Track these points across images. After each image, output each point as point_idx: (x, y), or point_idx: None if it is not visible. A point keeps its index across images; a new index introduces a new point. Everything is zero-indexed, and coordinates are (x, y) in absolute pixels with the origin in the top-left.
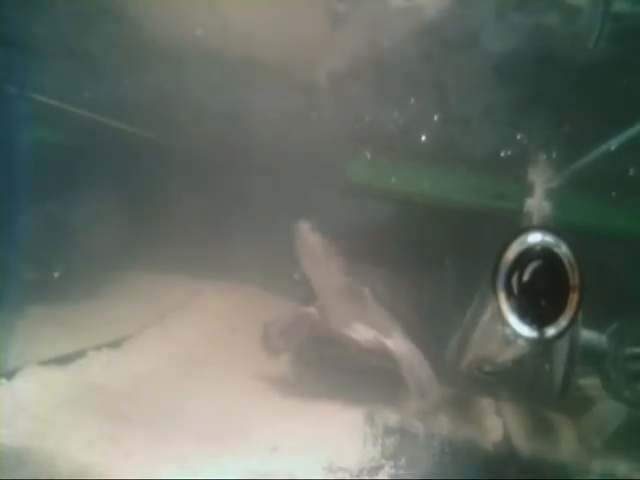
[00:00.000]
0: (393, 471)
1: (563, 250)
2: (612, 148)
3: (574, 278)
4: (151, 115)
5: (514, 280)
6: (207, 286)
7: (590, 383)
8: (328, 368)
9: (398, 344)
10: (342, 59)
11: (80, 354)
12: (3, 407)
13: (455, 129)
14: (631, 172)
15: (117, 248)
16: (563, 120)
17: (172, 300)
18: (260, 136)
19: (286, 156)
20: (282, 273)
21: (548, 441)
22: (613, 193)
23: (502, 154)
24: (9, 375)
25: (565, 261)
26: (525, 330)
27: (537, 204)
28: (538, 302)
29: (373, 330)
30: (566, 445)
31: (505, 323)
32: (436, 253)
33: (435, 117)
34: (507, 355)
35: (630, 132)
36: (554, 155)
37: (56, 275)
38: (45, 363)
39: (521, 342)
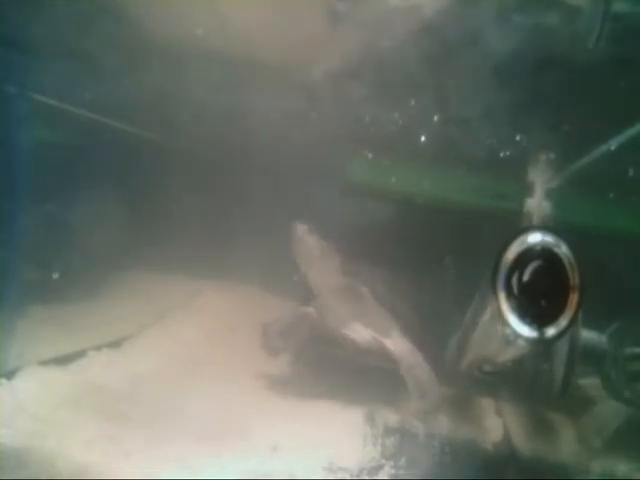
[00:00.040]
0: (393, 471)
1: (563, 250)
2: (612, 148)
3: (574, 278)
4: (151, 115)
5: (514, 280)
6: (207, 286)
7: (590, 383)
8: (328, 368)
9: (397, 344)
10: (342, 59)
11: (80, 354)
12: (3, 407)
13: (455, 129)
14: (631, 172)
15: (117, 248)
16: (563, 120)
17: (172, 300)
18: (260, 136)
19: (286, 156)
20: (282, 273)
21: (548, 441)
22: (613, 193)
23: (502, 154)
24: (9, 375)
25: (565, 261)
26: (525, 330)
27: (537, 204)
28: (538, 302)
29: (372, 330)
30: (566, 445)
31: (505, 323)
32: (436, 253)
33: (435, 117)
34: (507, 355)
35: (630, 132)
36: (554, 155)
37: (56, 275)
38: (45, 363)
39: (521, 342)
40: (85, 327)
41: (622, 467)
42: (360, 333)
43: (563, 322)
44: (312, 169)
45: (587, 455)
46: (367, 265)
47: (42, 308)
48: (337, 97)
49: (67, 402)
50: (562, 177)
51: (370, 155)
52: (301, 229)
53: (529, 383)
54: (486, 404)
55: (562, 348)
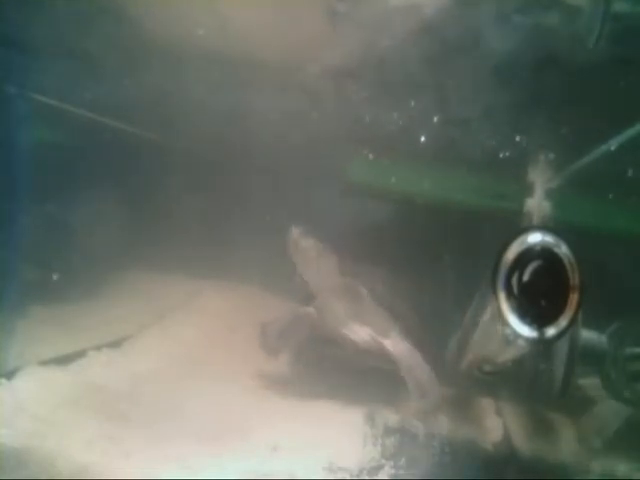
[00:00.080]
0: (393, 471)
1: (563, 250)
2: (612, 148)
3: (574, 278)
4: (151, 115)
5: (514, 280)
6: (207, 286)
7: (590, 383)
8: (328, 368)
9: (396, 344)
10: (342, 59)
11: (80, 354)
12: (3, 407)
13: (455, 129)
14: (631, 172)
15: (117, 248)
16: (563, 120)
17: (172, 300)
18: (260, 136)
19: (286, 156)
20: (282, 273)
21: (548, 441)
22: (613, 193)
23: (502, 154)
24: (9, 375)
25: (565, 261)
26: (525, 330)
27: (537, 204)
28: (538, 302)
29: (371, 330)
30: (566, 445)
31: (505, 323)
32: (436, 253)
33: (435, 117)
34: (507, 355)
35: (630, 132)
36: (554, 155)
37: (56, 275)
38: (45, 363)
39: (521, 342)
40: (85, 327)
41: (622, 467)
42: (359, 333)
43: (563, 322)
44: (312, 169)
45: (587, 455)
46: (367, 265)
47: (42, 308)
48: (337, 97)
49: (67, 402)
50: (562, 177)
51: (370, 155)
52: (296, 232)
53: (529, 383)
54: (486, 404)
55: (562, 348)
